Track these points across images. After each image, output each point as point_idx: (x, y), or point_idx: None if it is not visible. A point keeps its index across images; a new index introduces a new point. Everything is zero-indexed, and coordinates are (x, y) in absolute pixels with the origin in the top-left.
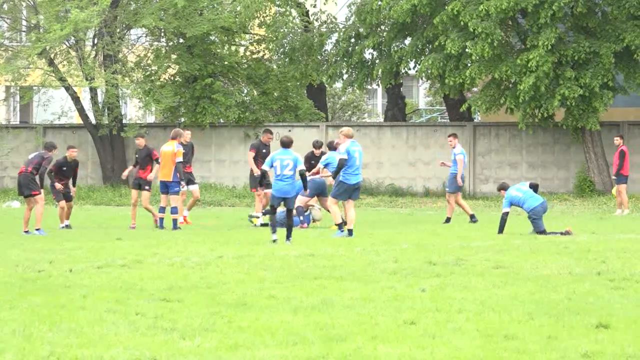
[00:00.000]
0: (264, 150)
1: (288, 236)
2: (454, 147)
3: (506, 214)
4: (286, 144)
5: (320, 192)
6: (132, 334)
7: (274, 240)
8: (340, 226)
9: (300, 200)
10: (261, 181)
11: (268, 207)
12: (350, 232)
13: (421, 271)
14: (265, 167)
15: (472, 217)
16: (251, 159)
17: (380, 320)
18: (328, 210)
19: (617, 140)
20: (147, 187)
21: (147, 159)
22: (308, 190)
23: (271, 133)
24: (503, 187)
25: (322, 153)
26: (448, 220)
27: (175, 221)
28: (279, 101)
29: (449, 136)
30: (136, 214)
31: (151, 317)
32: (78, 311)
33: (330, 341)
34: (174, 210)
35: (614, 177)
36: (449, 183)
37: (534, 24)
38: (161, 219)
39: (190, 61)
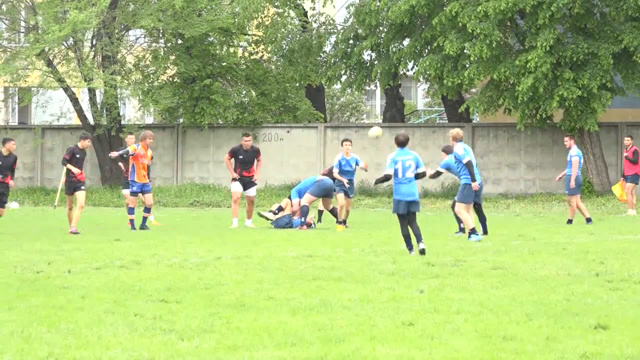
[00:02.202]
0: (240, 156)
1: (418, 240)
2: (569, 148)
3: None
4: (403, 142)
5: (327, 193)
6: (130, 335)
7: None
8: (473, 231)
9: (306, 199)
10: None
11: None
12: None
13: (420, 272)
14: (388, 171)
15: (588, 220)
16: (228, 162)
17: (379, 321)
18: (327, 210)
19: (628, 141)
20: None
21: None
22: (316, 190)
23: (248, 136)
24: (446, 151)
25: None
26: (570, 221)
27: (145, 219)
28: (278, 102)
29: (566, 137)
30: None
31: (150, 318)
32: (76, 312)
33: (329, 342)
34: (148, 210)
35: (621, 178)
36: (565, 185)
37: (533, 25)
38: (144, 219)
39: (188, 62)
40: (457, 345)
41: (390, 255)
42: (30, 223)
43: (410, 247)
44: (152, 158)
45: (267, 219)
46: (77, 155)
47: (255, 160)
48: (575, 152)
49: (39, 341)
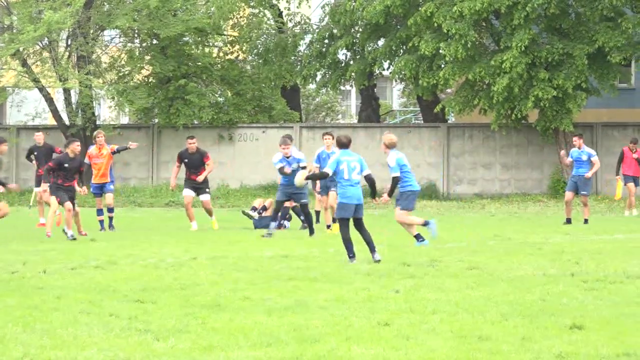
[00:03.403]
0: (186, 160)
1: (372, 249)
2: (579, 148)
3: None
4: (346, 144)
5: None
6: (106, 335)
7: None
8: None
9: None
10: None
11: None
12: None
13: (395, 272)
14: (329, 169)
15: (568, 220)
16: (175, 168)
17: (354, 321)
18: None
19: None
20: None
21: (49, 155)
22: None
23: (192, 139)
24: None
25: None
26: (586, 221)
27: (111, 219)
28: (253, 102)
29: (575, 136)
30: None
31: (125, 318)
32: (52, 312)
33: (304, 342)
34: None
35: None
36: (583, 185)
37: (508, 25)
38: (101, 221)
39: (164, 62)
40: (433, 345)
41: (366, 255)
42: (5, 223)
43: (352, 254)
44: (113, 154)
45: (251, 217)
46: (66, 165)
47: (205, 165)
48: (594, 152)
49: (14, 341)
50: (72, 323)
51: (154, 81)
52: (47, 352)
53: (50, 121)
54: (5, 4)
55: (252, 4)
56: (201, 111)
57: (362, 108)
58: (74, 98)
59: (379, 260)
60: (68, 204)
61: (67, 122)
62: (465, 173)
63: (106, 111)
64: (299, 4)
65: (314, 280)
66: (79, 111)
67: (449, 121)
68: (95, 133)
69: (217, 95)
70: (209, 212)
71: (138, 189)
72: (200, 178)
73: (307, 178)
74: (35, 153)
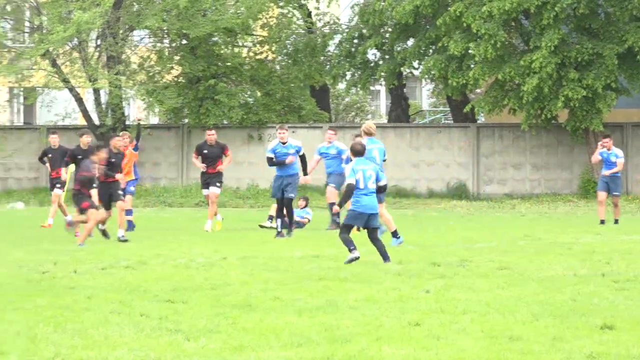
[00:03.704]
0: (205, 151)
1: (385, 259)
2: (608, 150)
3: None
4: (361, 152)
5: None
6: (136, 335)
7: (357, 258)
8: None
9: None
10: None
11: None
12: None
13: (425, 272)
14: (350, 180)
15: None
16: (195, 160)
17: (385, 322)
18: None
19: None
20: (58, 186)
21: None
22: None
23: (211, 130)
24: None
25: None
26: (616, 221)
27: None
28: (282, 102)
29: (604, 138)
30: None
31: (156, 318)
32: (83, 312)
33: (335, 342)
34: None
35: None
36: (615, 186)
37: (537, 25)
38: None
39: (193, 62)
40: (464, 345)
41: (396, 256)
42: (36, 223)
43: (353, 246)
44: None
45: (270, 227)
46: (80, 156)
47: (223, 156)
48: (621, 154)
49: (45, 341)
50: (103, 323)
51: (183, 81)
52: (79, 352)
53: (80, 121)
54: (35, 4)
55: (281, 4)
56: (231, 111)
57: (391, 108)
58: (103, 98)
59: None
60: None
61: (97, 123)
62: (495, 173)
63: (136, 111)
64: (328, 4)
65: (344, 280)
66: (109, 111)
67: (478, 121)
68: (120, 134)
69: (246, 96)
70: (212, 211)
71: (168, 189)
72: (221, 168)
73: (342, 202)
74: (50, 155)
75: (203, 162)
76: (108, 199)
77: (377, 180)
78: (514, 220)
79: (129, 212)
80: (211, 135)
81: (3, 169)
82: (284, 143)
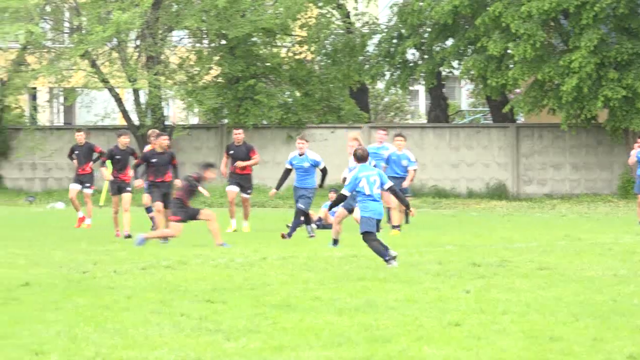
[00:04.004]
0: (231, 152)
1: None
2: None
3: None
4: (364, 158)
5: None
6: (176, 335)
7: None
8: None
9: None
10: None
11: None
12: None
13: (465, 272)
14: (345, 191)
15: None
16: (224, 160)
17: (425, 322)
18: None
19: None
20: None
21: (89, 154)
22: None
23: (238, 129)
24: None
25: None
26: None
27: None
28: (322, 102)
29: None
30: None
31: (196, 318)
32: (123, 312)
33: (375, 342)
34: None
35: None
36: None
37: (576, 25)
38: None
39: (232, 62)
40: (504, 345)
41: (436, 256)
42: (73, 223)
43: (388, 256)
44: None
45: (310, 234)
46: (118, 156)
47: (250, 159)
48: None
49: (86, 341)
50: (143, 323)
51: (222, 81)
52: (119, 351)
53: (120, 121)
54: (74, 4)
55: (320, 4)
56: (270, 111)
57: (430, 108)
58: (143, 99)
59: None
60: (158, 204)
61: (136, 123)
62: (535, 173)
63: (175, 111)
64: (367, 4)
65: (384, 280)
66: (148, 112)
67: (517, 121)
68: (149, 132)
69: (285, 96)
70: (246, 215)
71: (207, 189)
72: (241, 164)
73: (331, 207)
74: (77, 152)
75: (232, 162)
76: (163, 200)
77: (382, 184)
78: (554, 221)
79: (149, 209)
80: (238, 135)
81: (43, 169)
82: (301, 154)
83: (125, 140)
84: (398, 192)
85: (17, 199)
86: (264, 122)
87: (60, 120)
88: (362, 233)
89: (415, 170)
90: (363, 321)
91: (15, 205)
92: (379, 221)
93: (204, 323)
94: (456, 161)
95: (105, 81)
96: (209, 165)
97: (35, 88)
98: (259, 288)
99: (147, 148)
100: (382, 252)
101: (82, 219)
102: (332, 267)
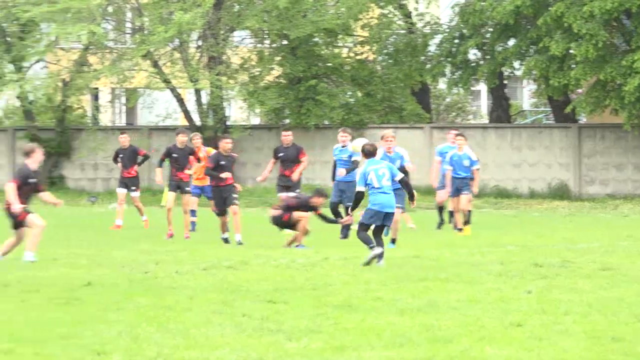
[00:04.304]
0: (280, 154)
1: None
2: None
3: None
4: (372, 153)
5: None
6: (238, 335)
7: (378, 254)
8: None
9: None
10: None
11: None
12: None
13: (527, 273)
14: (360, 188)
15: None
16: (270, 162)
17: (487, 322)
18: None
19: None
20: (188, 189)
21: (133, 157)
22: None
23: (287, 131)
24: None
25: None
26: None
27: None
28: (383, 103)
29: None
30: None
31: (257, 318)
32: (184, 312)
33: (437, 343)
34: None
35: None
36: None
37: (639, 24)
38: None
39: (294, 63)
40: (566, 346)
41: (497, 256)
42: (138, 223)
43: (372, 243)
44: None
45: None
46: (175, 155)
47: (300, 160)
48: None
49: (148, 341)
50: (205, 323)
51: (284, 82)
52: (180, 351)
53: (181, 122)
54: (136, 5)
55: (381, 4)
56: (332, 112)
57: (492, 108)
58: (204, 99)
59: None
60: (233, 207)
61: (198, 123)
62: (597, 173)
63: (237, 112)
64: (428, 4)
65: (446, 280)
66: (210, 112)
67: (579, 121)
68: (192, 135)
69: (347, 96)
70: None
71: (270, 189)
72: (294, 176)
73: (353, 208)
74: (121, 155)
75: (281, 165)
76: (223, 203)
77: (393, 177)
78: (616, 221)
79: (192, 212)
80: (287, 137)
81: (105, 170)
82: (343, 146)
83: (183, 139)
84: (409, 183)
85: (79, 200)
86: (326, 122)
87: (122, 121)
88: (361, 223)
89: (478, 170)
90: (424, 321)
91: (77, 205)
92: (389, 214)
93: (265, 323)
94: (518, 161)
95: (167, 81)
96: (321, 194)
97: (97, 88)
98: (321, 288)
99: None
100: (367, 241)
101: (118, 226)
102: (394, 268)
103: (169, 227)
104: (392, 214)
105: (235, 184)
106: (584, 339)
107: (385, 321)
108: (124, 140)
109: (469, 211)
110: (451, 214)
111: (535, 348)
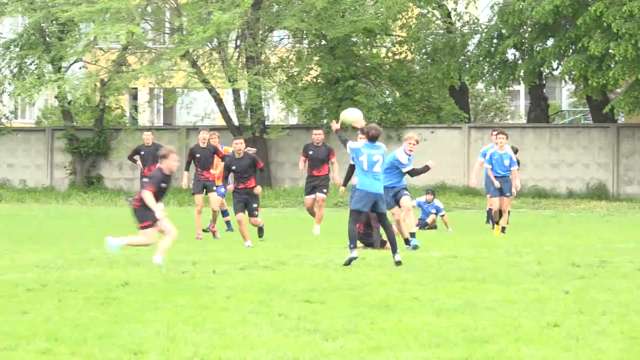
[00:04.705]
0: (310, 152)
1: (394, 250)
2: None
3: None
4: (375, 136)
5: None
6: (275, 335)
7: (354, 258)
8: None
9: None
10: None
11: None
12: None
13: (564, 273)
14: (351, 161)
15: None
16: (302, 161)
17: (524, 323)
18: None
19: None
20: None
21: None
22: None
23: (318, 129)
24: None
25: None
26: None
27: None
28: (421, 102)
29: None
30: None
31: (294, 318)
32: (221, 312)
33: (473, 343)
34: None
35: None
36: None
37: None
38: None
39: (332, 63)
40: (603, 346)
41: (535, 256)
42: (175, 223)
43: (354, 245)
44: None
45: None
46: (198, 155)
47: (329, 161)
48: None
49: (184, 341)
50: (242, 323)
51: (322, 82)
52: (217, 351)
53: (220, 122)
54: (175, 5)
55: (420, 3)
56: (370, 112)
57: (530, 108)
58: (243, 99)
59: (399, 262)
60: (240, 215)
61: (236, 123)
62: (635, 174)
63: (275, 112)
64: (467, 4)
65: (483, 280)
66: (248, 112)
67: (618, 121)
68: (210, 134)
69: (385, 96)
70: (319, 215)
71: (291, 191)
72: (335, 176)
73: (345, 181)
74: (142, 152)
75: (309, 163)
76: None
77: (389, 166)
78: None
79: (225, 213)
80: (317, 135)
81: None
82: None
83: (204, 136)
84: (416, 168)
85: (117, 199)
86: (363, 122)
87: (160, 121)
88: (352, 210)
89: (517, 170)
90: (461, 322)
91: (114, 205)
92: (379, 197)
93: (302, 323)
94: (556, 161)
95: (205, 81)
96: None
97: (135, 88)
98: (358, 288)
99: (225, 149)
100: (352, 238)
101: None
102: (431, 268)
103: (198, 230)
104: (381, 196)
105: (255, 188)
106: (622, 340)
107: (421, 321)
108: (148, 137)
109: (509, 212)
110: (488, 213)
111: (572, 348)
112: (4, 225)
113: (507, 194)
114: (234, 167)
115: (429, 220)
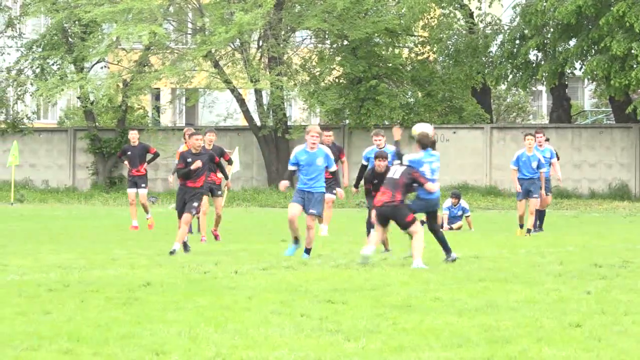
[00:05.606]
0: (189, 160)
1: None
2: None
3: None
4: (431, 145)
5: None
6: (297, 335)
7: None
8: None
9: None
10: None
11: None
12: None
13: (586, 273)
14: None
15: None
16: None
17: (545, 323)
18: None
19: None
20: (143, 185)
21: (143, 155)
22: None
23: (328, 130)
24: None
25: None
26: None
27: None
28: (443, 103)
29: None
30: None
31: (316, 318)
32: (243, 312)
33: (495, 343)
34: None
35: None
36: None
37: None
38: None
39: (354, 63)
40: (625, 347)
41: (557, 257)
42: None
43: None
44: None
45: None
46: (190, 159)
47: (339, 161)
48: None
49: (206, 341)
50: (264, 323)
51: (344, 82)
52: (239, 352)
53: (242, 122)
54: (197, 5)
55: (443, 4)
56: (392, 112)
57: (553, 108)
58: (265, 99)
59: (454, 259)
60: (185, 216)
61: (258, 123)
62: None
63: (297, 112)
64: (490, 4)
65: (505, 281)
66: (270, 112)
67: None
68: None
69: (407, 96)
70: (327, 216)
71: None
72: (345, 180)
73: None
74: (129, 152)
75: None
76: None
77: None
78: None
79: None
80: (328, 136)
81: (165, 170)
82: (381, 148)
83: (211, 138)
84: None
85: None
86: (386, 122)
87: (182, 121)
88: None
89: (543, 172)
90: (483, 322)
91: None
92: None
93: (324, 323)
94: (578, 161)
95: (227, 82)
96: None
97: (158, 89)
98: (380, 288)
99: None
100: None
101: (135, 227)
102: (453, 268)
103: (202, 232)
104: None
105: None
106: None
107: (443, 321)
108: (134, 137)
109: (544, 212)
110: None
111: (594, 349)
112: (26, 225)
113: (535, 195)
114: (189, 160)
115: (454, 226)
